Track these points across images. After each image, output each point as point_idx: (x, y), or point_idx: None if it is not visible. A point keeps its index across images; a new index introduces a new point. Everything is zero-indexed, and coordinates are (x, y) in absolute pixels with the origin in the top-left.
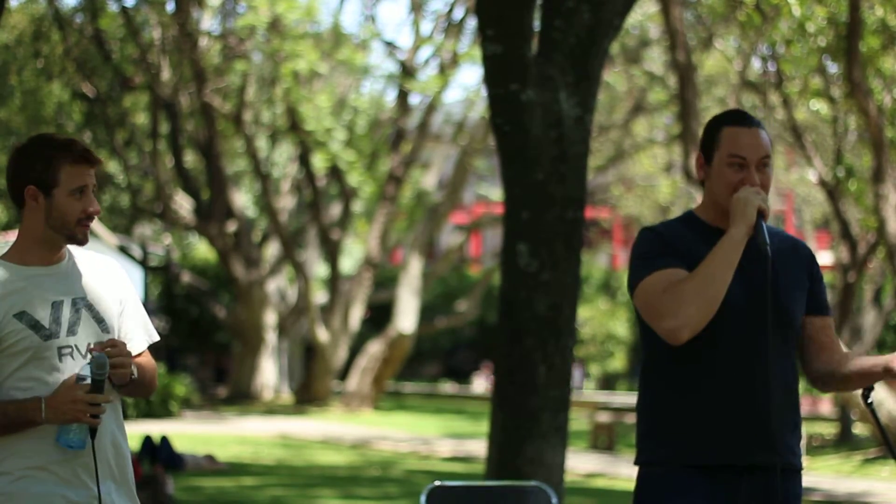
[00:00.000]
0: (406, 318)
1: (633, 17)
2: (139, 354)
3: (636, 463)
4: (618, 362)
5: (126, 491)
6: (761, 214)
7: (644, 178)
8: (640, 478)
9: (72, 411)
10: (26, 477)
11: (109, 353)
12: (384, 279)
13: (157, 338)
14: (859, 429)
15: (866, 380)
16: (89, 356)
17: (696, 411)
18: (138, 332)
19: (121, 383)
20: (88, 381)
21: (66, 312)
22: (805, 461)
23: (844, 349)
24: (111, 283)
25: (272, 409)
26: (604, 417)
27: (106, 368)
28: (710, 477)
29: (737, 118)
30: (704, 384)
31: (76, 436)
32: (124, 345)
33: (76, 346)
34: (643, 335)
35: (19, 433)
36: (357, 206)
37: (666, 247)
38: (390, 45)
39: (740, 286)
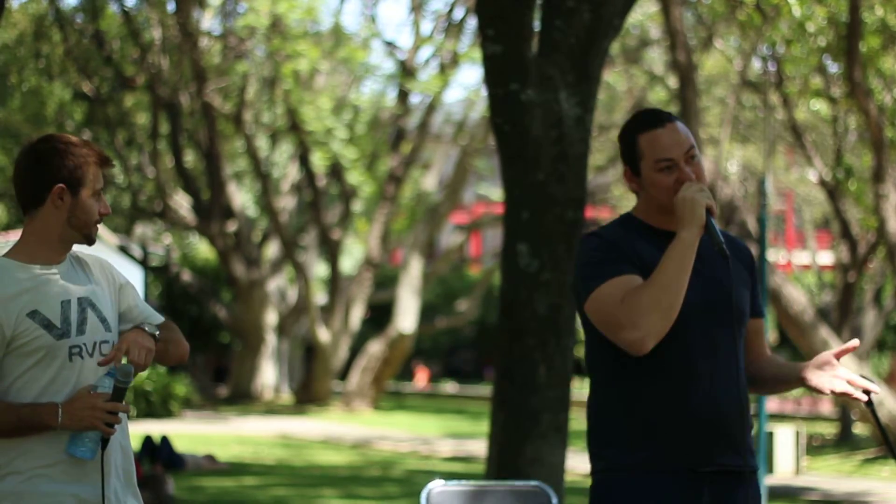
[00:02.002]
0: (406, 317)
1: (634, 17)
2: (163, 323)
3: (594, 471)
4: None
5: (131, 490)
6: (709, 212)
7: None
8: (600, 485)
9: (89, 418)
10: (37, 476)
11: (133, 359)
12: (384, 279)
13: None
14: (859, 429)
15: (784, 386)
16: (105, 361)
17: (656, 416)
18: (150, 310)
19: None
20: (104, 389)
21: (74, 312)
22: (805, 461)
23: (769, 352)
24: (106, 281)
25: (272, 409)
26: None
27: (131, 377)
28: (674, 481)
29: (649, 121)
30: (663, 387)
31: (87, 446)
32: (124, 345)
33: (84, 345)
34: (594, 342)
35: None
36: (357, 206)
37: (616, 252)
38: (391, 45)
39: (695, 286)
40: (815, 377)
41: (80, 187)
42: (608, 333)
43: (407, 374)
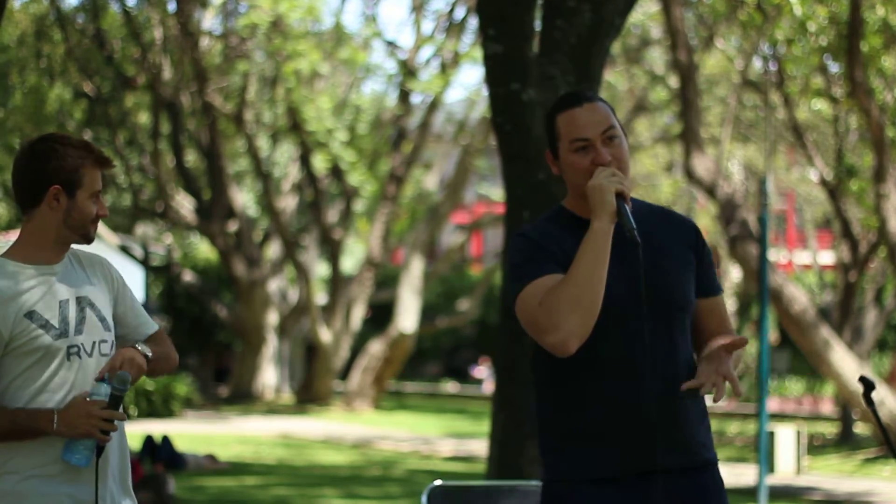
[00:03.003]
0: (407, 317)
1: (635, 17)
2: (156, 333)
3: (543, 479)
4: None
5: (126, 490)
6: (621, 197)
7: (645, 177)
8: (547, 496)
9: (85, 425)
10: (33, 476)
11: (126, 367)
12: (385, 279)
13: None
14: (860, 428)
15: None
16: (100, 373)
17: (594, 420)
18: (144, 316)
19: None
20: (99, 397)
21: (72, 311)
22: (806, 461)
23: (732, 330)
24: (105, 280)
25: (273, 409)
26: None
27: (128, 385)
28: (619, 488)
29: (567, 101)
30: (598, 390)
31: (82, 454)
32: (118, 360)
33: (82, 344)
34: (533, 344)
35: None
36: (358, 206)
37: (538, 252)
38: (392, 45)
39: (619, 278)
40: (700, 370)
41: (77, 188)
42: (535, 337)
43: (412, 373)
